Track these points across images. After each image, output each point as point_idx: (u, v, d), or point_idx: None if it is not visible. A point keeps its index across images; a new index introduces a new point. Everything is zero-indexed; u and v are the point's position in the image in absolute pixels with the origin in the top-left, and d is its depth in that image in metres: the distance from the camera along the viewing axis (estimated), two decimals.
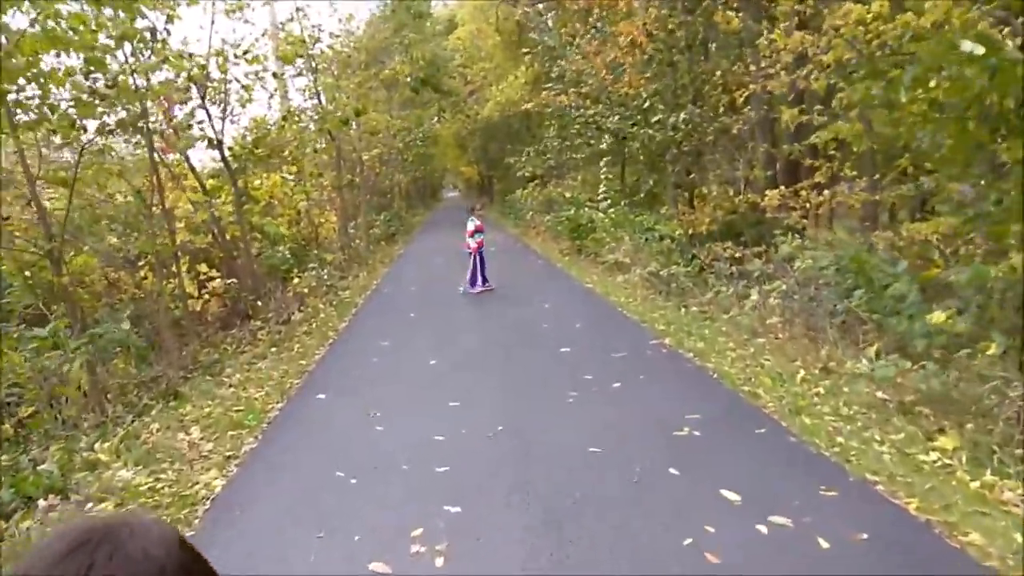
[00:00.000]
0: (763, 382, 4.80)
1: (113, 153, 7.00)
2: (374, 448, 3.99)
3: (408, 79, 14.89)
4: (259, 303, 8.63)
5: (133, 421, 4.85)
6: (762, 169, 13.19)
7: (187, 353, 7.00)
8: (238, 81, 9.04)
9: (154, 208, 6.36)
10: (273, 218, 11.00)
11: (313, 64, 13.84)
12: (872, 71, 5.35)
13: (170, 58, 6.30)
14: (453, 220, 27.77)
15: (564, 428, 4.09)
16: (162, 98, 6.45)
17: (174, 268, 7.78)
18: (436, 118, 34.37)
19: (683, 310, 7.65)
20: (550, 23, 20.42)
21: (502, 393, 4.89)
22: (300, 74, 13.91)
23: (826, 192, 10.72)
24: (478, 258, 9.59)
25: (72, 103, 4.63)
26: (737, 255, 9.74)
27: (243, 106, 10.02)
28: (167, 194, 7.14)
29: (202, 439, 4.28)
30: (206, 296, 9.00)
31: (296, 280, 11.19)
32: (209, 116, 7.84)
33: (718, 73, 10.31)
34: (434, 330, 7.25)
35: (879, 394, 4.42)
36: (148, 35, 5.54)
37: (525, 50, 18.92)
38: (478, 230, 9.60)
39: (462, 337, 6.86)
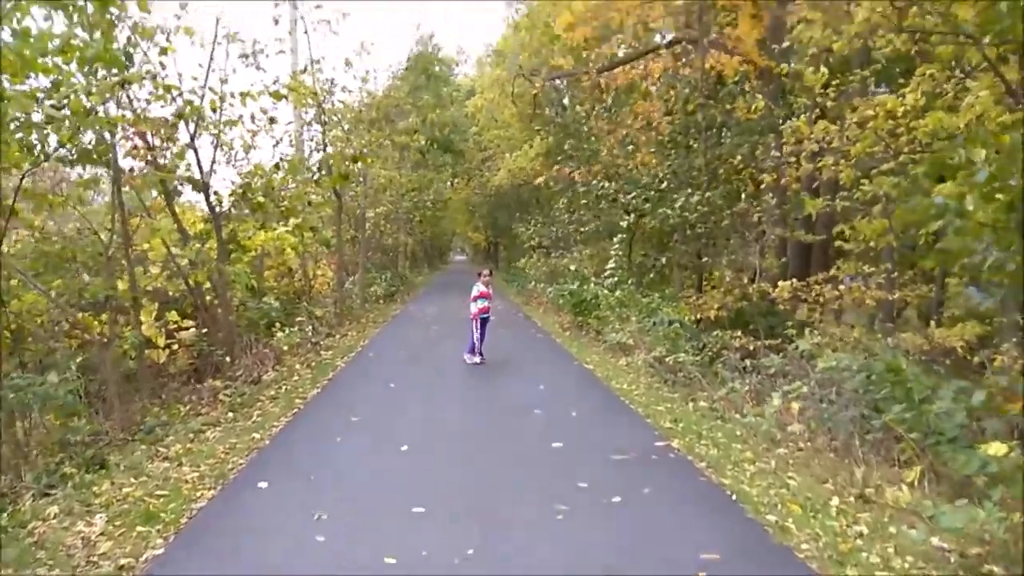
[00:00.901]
0: (791, 509, 4.00)
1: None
2: (307, 570, 3.17)
3: (418, 141, 14.64)
4: (228, 359, 7.90)
5: (35, 497, 4.05)
6: (775, 256, 12.69)
7: (133, 411, 6.23)
8: (242, 124, 8.74)
9: (112, 249, 5.75)
10: (260, 272, 10.42)
11: (323, 117, 13.67)
12: (937, 162, 4.77)
13: (156, 86, 5.88)
14: (457, 284, 27.27)
15: (549, 559, 3.29)
16: (132, 130, 5.96)
17: (139, 315, 7.12)
18: (449, 183, 34.64)
19: (691, 404, 6.88)
20: (566, 101, 20.59)
21: (479, 499, 4.08)
22: (309, 124, 13.75)
23: (841, 287, 10.10)
24: (476, 324, 8.99)
25: (19, 125, 4.11)
26: (749, 347, 9.07)
27: (245, 151, 9.69)
28: (136, 234, 6.55)
29: (103, 535, 3.47)
30: (174, 347, 8.28)
31: (280, 335, 10.51)
32: (197, 156, 7.39)
33: (738, 158, 9.93)
34: (413, 408, 6.48)
35: (935, 540, 3.62)
36: (125, 59, 5.09)
37: (538, 127, 18.93)
38: (482, 296, 8.99)
39: (443, 419, 6.08)
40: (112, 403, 5.96)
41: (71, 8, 4.51)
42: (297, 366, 8.75)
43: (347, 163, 9.51)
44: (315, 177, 10.13)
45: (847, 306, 13.80)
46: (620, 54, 16.58)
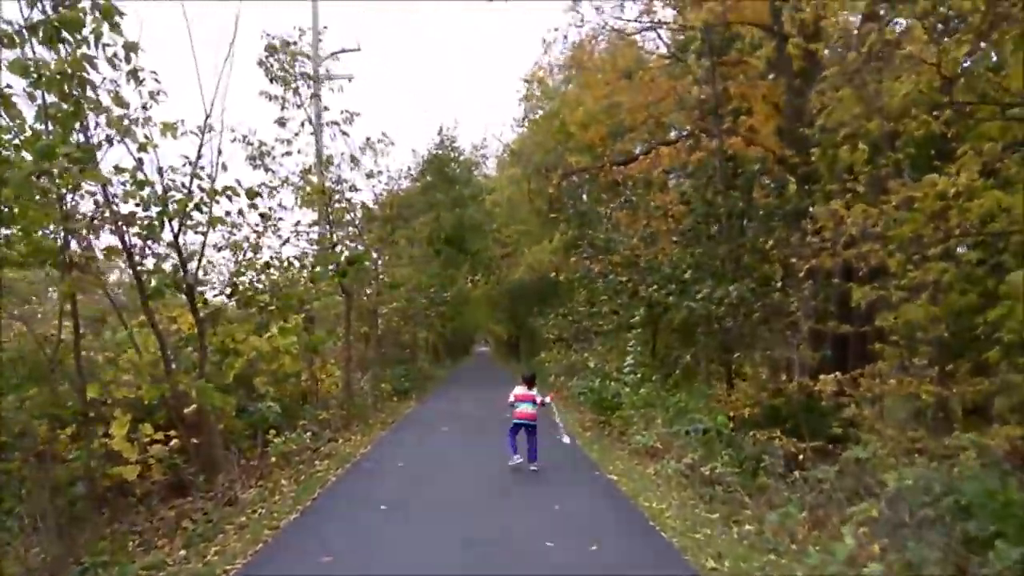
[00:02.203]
0: None
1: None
2: None
3: (430, 238, 14.32)
4: (203, 477, 7.03)
5: None
6: (808, 348, 11.60)
7: (79, 544, 5.32)
8: (245, 221, 8.37)
9: (59, 358, 5.09)
10: (250, 376, 9.72)
11: (330, 215, 13.43)
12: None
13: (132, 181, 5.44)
14: (477, 379, 26.42)
15: None
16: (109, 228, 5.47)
17: (109, 429, 6.38)
18: (468, 279, 34.48)
19: (735, 529, 5.72)
20: (584, 196, 20.43)
21: None
22: (316, 223, 13.50)
23: (891, 381, 8.98)
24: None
25: None
26: (792, 449, 7.91)
27: (254, 252, 9.26)
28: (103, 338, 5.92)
29: None
30: (150, 462, 7.44)
31: (276, 441, 9.64)
32: (181, 257, 6.88)
33: (769, 243, 9.20)
34: (402, 541, 5.45)
35: None
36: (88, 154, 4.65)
37: (554, 215, 18.66)
38: (519, 400, 8.46)
39: (436, 558, 5.04)
40: (45, 536, 5.07)
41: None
42: (283, 481, 7.79)
43: (344, 263, 9.00)
44: (307, 275, 9.62)
45: (892, 401, 12.53)
46: (637, 150, 16.48)
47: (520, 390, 8.53)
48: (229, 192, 6.98)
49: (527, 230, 25.86)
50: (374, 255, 16.29)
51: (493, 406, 15.91)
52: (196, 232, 6.93)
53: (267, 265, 8.17)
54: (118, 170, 5.44)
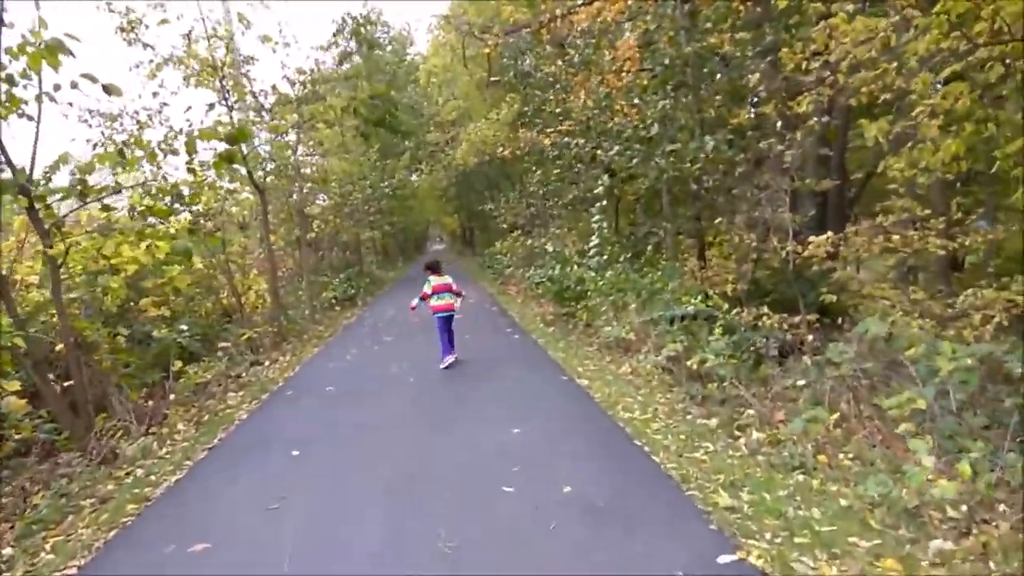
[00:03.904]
0: None
1: None
2: None
3: (349, 112, 12.04)
4: (66, 433, 5.46)
5: None
6: (791, 210, 10.31)
7: None
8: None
9: None
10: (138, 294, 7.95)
11: (226, 94, 11.05)
12: None
13: None
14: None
15: None
16: None
17: None
18: (413, 171, 31.87)
19: (742, 440, 4.54)
20: (530, 63, 17.96)
21: None
22: (211, 106, 11.12)
23: (895, 238, 7.72)
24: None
25: None
26: (784, 327, 6.77)
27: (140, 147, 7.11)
28: None
29: None
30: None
31: (193, 372, 8.07)
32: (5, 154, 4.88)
33: (754, 78, 7.49)
34: (309, 501, 4.07)
35: None
36: None
37: (495, 78, 16.32)
38: (436, 291, 7.90)
39: (352, 529, 3.69)
40: None
41: None
42: (180, 425, 6.28)
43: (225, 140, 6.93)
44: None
45: (870, 259, 11.57)
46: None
47: (436, 281, 7.91)
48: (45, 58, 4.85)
49: (468, 106, 23.37)
50: (290, 140, 13.93)
51: None
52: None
53: (120, 153, 6.14)
54: None
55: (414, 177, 35.35)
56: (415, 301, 8.05)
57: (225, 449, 5.36)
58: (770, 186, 7.93)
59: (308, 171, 16.49)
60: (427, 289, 7.86)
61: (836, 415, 4.15)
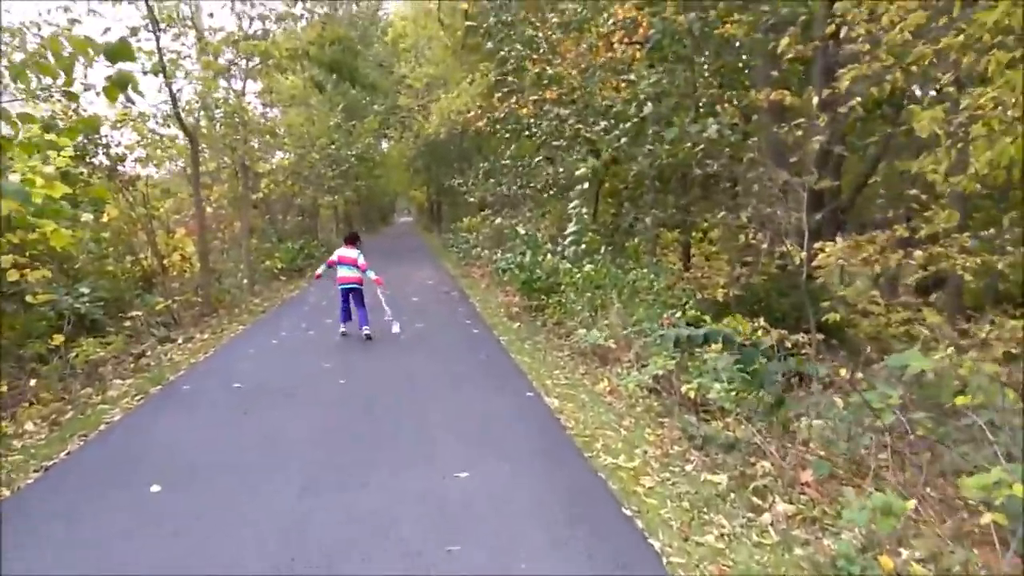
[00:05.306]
0: None
1: None
2: None
3: (302, 59, 10.42)
4: None
5: None
6: (796, 209, 9.25)
7: None
8: None
9: None
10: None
11: (155, 22, 9.31)
12: None
13: None
14: (389, 251, 23.25)
15: None
16: None
17: None
18: (382, 138, 30.02)
19: (765, 518, 3.36)
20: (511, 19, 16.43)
21: None
22: (135, 31, 9.37)
23: (917, 253, 6.64)
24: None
25: None
26: (788, 344, 5.66)
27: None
28: None
29: None
30: None
31: (83, 347, 6.56)
32: None
33: (784, 41, 6.27)
34: (189, 544, 2.75)
35: None
36: None
37: (471, 23, 14.68)
38: (331, 264, 8.08)
39: None
40: None
41: None
42: (30, 424, 4.83)
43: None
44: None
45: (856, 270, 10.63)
46: None
47: (343, 251, 7.92)
48: None
49: (441, 73, 21.70)
50: (227, 86, 12.19)
51: (400, 284, 13.14)
52: None
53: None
54: None
55: (384, 145, 33.47)
56: (320, 269, 8.30)
57: (65, 472, 3.93)
58: (786, 180, 6.77)
59: (261, 123, 14.76)
60: (333, 257, 8.01)
61: (912, 504, 2.98)
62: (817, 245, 6.42)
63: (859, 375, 4.54)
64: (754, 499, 3.59)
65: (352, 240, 8.14)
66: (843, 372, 4.46)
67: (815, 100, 5.72)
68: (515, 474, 3.82)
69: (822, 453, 4.06)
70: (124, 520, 3.27)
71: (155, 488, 3.61)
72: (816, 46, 7.02)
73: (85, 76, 7.73)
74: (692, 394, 5.02)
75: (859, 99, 5.93)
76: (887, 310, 8.05)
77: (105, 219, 8.48)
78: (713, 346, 5.43)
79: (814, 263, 6.61)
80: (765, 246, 6.60)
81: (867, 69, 5.74)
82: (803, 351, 5.71)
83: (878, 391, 4.08)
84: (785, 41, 6.74)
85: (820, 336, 6.04)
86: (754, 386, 4.84)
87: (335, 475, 3.82)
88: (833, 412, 4.29)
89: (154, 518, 3.29)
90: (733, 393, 4.66)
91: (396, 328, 7.82)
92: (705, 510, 3.45)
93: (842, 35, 5.81)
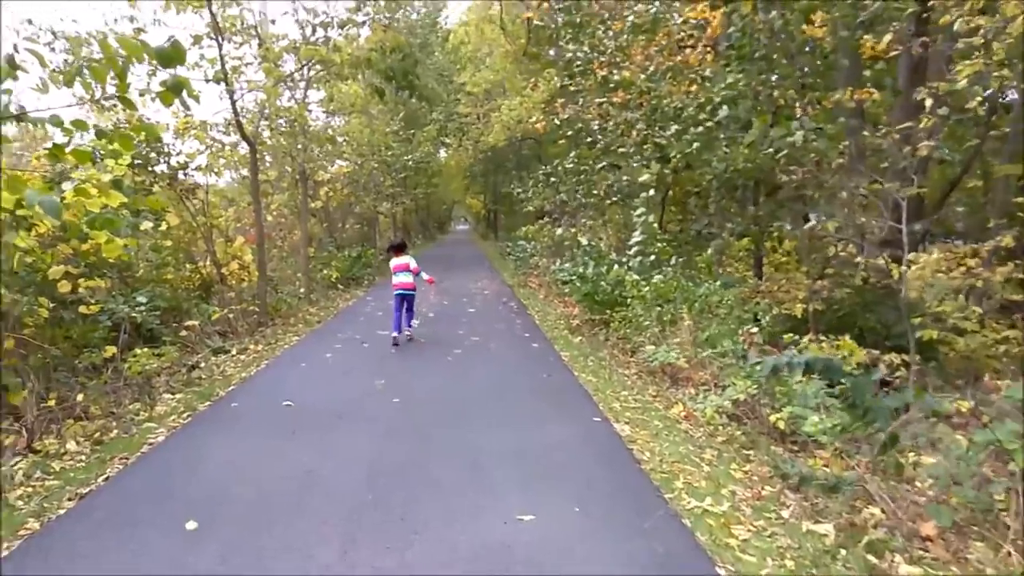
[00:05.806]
0: None
1: None
2: None
3: (363, 67, 10.27)
4: None
5: None
6: (885, 216, 8.39)
7: None
8: None
9: None
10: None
11: (217, 21, 9.33)
12: None
13: None
14: (447, 260, 23.19)
15: None
16: None
17: None
18: (440, 146, 30.06)
19: None
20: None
21: None
22: (199, 40, 9.42)
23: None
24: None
25: None
26: (883, 367, 4.93)
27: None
28: None
29: None
30: None
31: (134, 357, 6.47)
32: None
33: (886, 39, 5.53)
34: None
35: None
36: None
37: (540, 23, 14.28)
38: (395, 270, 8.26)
39: None
40: None
41: None
42: (72, 444, 4.65)
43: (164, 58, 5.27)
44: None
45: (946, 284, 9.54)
46: None
47: (396, 260, 8.26)
48: None
49: (500, 80, 21.46)
50: (296, 94, 12.22)
51: (457, 294, 12.82)
52: None
53: (13, 66, 4.46)
54: None
55: (441, 153, 33.56)
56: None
57: (99, 503, 3.68)
58: (882, 187, 5.99)
59: (325, 132, 14.82)
60: (391, 266, 8.30)
61: None
62: (909, 257, 5.69)
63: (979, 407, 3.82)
64: (868, 556, 2.97)
65: (399, 248, 8.45)
66: (965, 406, 3.74)
67: (917, 98, 4.98)
68: (586, 518, 3.31)
69: (943, 498, 3.37)
70: (149, 565, 2.94)
71: (191, 525, 3.29)
72: (910, 44, 6.25)
73: (147, 85, 7.69)
74: (780, 423, 4.39)
75: (978, 99, 5.17)
76: (983, 328, 7.10)
77: (165, 227, 8.45)
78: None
79: (907, 274, 5.85)
80: (859, 259, 5.84)
81: (982, 65, 5.00)
82: (896, 372, 5.02)
83: (1007, 427, 3.37)
84: (887, 38, 6.01)
85: (917, 357, 5.31)
86: (857, 418, 4.15)
87: (382, 516, 3.40)
88: (954, 449, 3.58)
89: (181, 566, 2.95)
90: (836, 428, 4.00)
91: (413, 323, 8.42)
92: (814, 571, 2.85)
93: (955, 28, 5.07)
